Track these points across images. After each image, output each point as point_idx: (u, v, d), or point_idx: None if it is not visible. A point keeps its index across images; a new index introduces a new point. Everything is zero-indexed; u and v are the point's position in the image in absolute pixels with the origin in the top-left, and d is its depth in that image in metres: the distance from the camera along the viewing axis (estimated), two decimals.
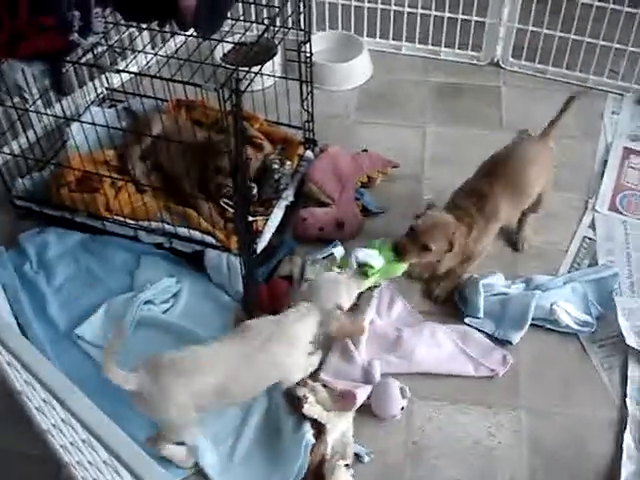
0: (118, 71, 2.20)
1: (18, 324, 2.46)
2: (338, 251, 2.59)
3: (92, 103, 3.13)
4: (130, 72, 2.28)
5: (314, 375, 2.27)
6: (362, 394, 2.21)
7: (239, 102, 2.10)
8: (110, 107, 3.18)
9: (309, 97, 2.84)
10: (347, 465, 2.08)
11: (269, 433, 2.20)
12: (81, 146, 2.75)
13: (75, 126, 2.85)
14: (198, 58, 2.30)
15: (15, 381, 1.61)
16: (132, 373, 1.93)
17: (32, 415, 1.68)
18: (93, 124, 2.55)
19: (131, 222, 2.67)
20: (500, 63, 3.58)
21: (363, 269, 2.29)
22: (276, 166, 2.77)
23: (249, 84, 2.24)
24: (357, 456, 2.17)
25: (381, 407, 2.23)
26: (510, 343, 2.45)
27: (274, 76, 3.13)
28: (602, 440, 2.24)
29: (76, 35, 2.07)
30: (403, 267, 2.37)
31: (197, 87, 2.10)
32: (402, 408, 2.22)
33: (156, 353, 2.02)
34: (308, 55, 2.72)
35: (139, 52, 2.78)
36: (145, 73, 2.31)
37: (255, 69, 2.34)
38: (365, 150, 3.03)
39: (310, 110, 2.88)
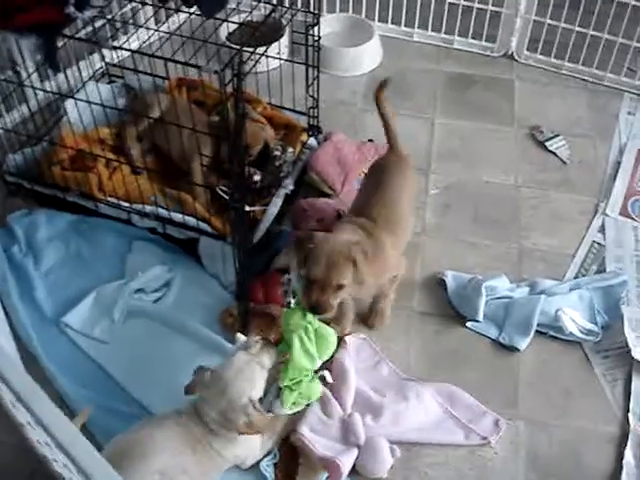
0: (114, 48, 2.09)
1: (3, 307, 2.37)
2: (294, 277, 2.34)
3: (90, 78, 3.02)
4: (127, 49, 2.16)
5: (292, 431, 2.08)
6: (347, 463, 2.00)
7: (241, 85, 2.00)
8: (109, 83, 3.07)
9: (315, 82, 2.73)
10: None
11: None
12: (76, 123, 2.66)
13: (71, 102, 2.73)
14: (202, 36, 2.19)
15: None
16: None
17: (8, 409, 1.59)
18: (88, 102, 2.43)
19: (124, 204, 2.57)
20: (514, 56, 3.46)
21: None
22: (277, 152, 2.67)
23: (254, 65, 2.13)
24: None
25: (367, 468, 2.04)
26: (517, 350, 2.37)
27: (280, 58, 3.02)
28: (601, 455, 2.16)
29: (72, 8, 1.96)
30: (333, 346, 2.06)
31: (197, 68, 1.99)
32: (391, 467, 2.06)
33: (115, 438, 1.86)
34: (316, 38, 2.61)
35: (140, 27, 2.67)
36: (143, 51, 2.19)
37: (260, 50, 2.24)
38: (371, 140, 2.93)
39: (315, 96, 2.77)
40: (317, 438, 2.06)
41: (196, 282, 2.49)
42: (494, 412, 2.21)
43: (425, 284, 2.55)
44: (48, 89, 2.72)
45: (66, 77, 2.65)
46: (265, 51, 2.33)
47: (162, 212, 2.51)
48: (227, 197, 2.31)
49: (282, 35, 3.24)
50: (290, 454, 2.07)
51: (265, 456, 2.05)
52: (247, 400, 1.84)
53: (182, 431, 1.85)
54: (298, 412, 2.07)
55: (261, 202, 2.57)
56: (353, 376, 2.21)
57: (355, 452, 2.05)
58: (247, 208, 2.21)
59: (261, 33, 2.36)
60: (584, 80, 3.36)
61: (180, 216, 2.49)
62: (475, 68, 3.43)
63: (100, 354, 2.29)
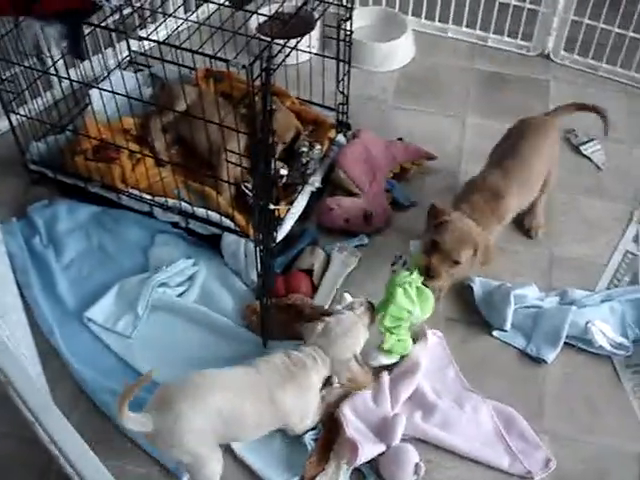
0: (140, 38, 2.03)
1: (22, 297, 2.34)
2: (414, 245, 2.41)
3: (116, 67, 2.97)
4: (153, 40, 2.11)
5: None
6: (367, 452, 1.99)
7: (269, 80, 1.94)
8: (135, 72, 3.02)
9: (345, 78, 2.66)
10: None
11: None
12: (100, 112, 2.61)
13: (96, 91, 2.69)
14: (231, 27, 2.13)
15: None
16: (145, 414, 1.80)
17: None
18: (113, 93, 2.38)
19: (147, 197, 2.53)
20: (550, 55, 3.36)
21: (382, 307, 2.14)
22: (304, 149, 2.61)
23: (284, 59, 2.07)
24: None
25: (387, 472, 2.01)
26: (545, 362, 2.30)
27: (310, 52, 2.95)
28: (627, 474, 2.08)
29: None
30: (432, 304, 2.21)
31: (225, 62, 1.93)
32: None
33: (162, 385, 1.89)
34: (348, 33, 2.54)
35: (169, 16, 2.62)
36: (170, 43, 2.13)
37: (291, 43, 2.18)
38: (400, 139, 2.86)
39: (346, 92, 2.71)
40: (354, 420, 2.06)
41: (219, 278, 2.44)
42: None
43: (451, 289, 2.47)
44: (73, 77, 2.68)
45: (91, 65, 2.61)
46: (296, 45, 2.27)
47: (185, 206, 2.47)
48: (251, 194, 2.25)
49: (313, 28, 3.17)
50: (332, 430, 2.08)
51: (310, 430, 2.07)
52: (351, 355, 2.02)
53: (250, 378, 1.93)
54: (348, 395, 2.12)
55: (286, 200, 2.51)
56: (419, 376, 2.18)
57: (381, 448, 2.02)
58: (271, 206, 2.15)
59: (292, 26, 2.29)
60: (622, 83, 3.26)
61: (203, 211, 2.44)
62: (509, 67, 3.33)
63: (123, 348, 2.25)
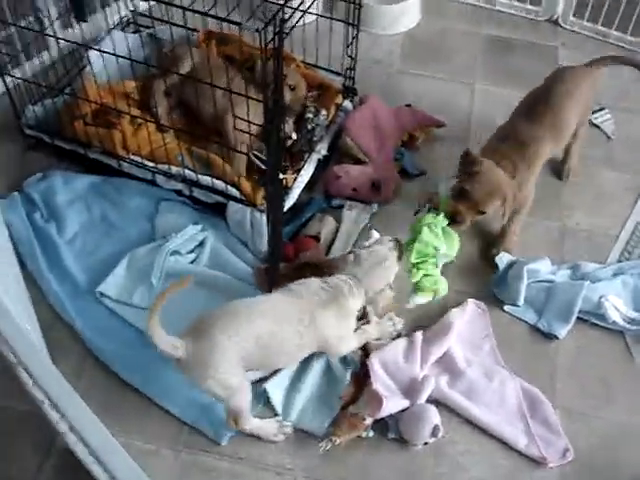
0: None
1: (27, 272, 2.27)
2: (442, 185, 2.34)
3: (115, 26, 2.86)
4: (159, 1, 2.00)
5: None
6: (390, 407, 1.99)
7: (282, 44, 1.86)
8: (134, 32, 2.91)
9: (354, 42, 2.57)
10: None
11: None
12: (99, 74, 2.52)
13: (94, 51, 2.59)
14: None
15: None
16: (178, 338, 1.78)
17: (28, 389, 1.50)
18: (114, 54, 2.28)
19: (149, 164, 2.45)
20: (559, 21, 3.27)
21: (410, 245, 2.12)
22: (310, 115, 2.53)
23: (295, 23, 1.98)
24: None
25: (405, 429, 2.02)
26: (556, 337, 2.26)
27: (318, 15, 2.84)
28: (638, 449, 2.07)
29: None
30: (458, 243, 2.19)
31: (236, 25, 1.84)
32: (425, 443, 2.01)
33: (199, 313, 1.89)
34: None
35: None
36: (177, 5, 2.03)
37: (301, 6, 2.09)
38: (408, 105, 2.77)
39: (354, 56, 2.61)
40: (381, 373, 2.07)
41: (227, 245, 2.38)
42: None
43: (462, 263, 2.42)
44: (70, 38, 2.57)
45: (91, 24, 2.49)
46: (308, 8, 2.18)
47: (189, 174, 2.39)
48: (261, 163, 2.17)
49: None
50: (366, 373, 2.09)
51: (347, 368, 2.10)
52: (385, 286, 2.04)
53: (289, 302, 1.93)
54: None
55: (293, 168, 2.44)
56: (451, 339, 2.17)
57: (404, 405, 2.02)
58: (280, 175, 2.08)
59: None
60: (631, 51, 3.18)
61: (208, 179, 2.36)
62: (518, 32, 3.25)
63: (140, 320, 2.15)
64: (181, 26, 2.71)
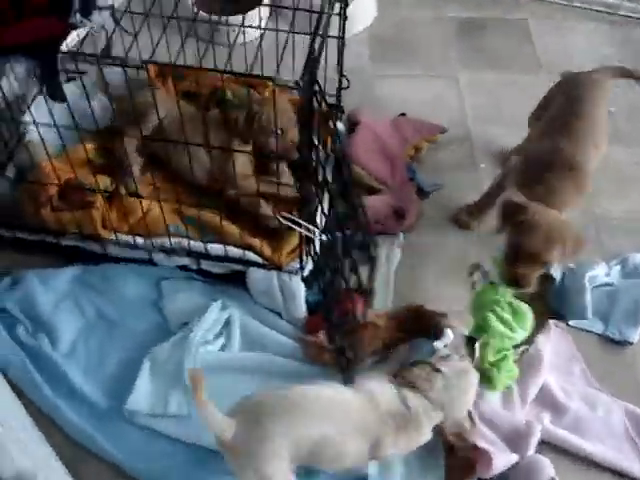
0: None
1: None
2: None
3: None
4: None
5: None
6: (500, 464, 1.78)
7: (314, 93, 1.57)
8: (68, 81, 2.45)
9: (341, 57, 2.24)
10: None
11: None
12: (47, 142, 2.05)
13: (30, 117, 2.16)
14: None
15: None
16: (228, 418, 1.53)
17: None
18: (53, 125, 1.85)
19: (140, 241, 2.07)
20: None
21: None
22: None
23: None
24: None
25: None
26: (629, 343, 2.10)
27: (277, 30, 2.49)
28: None
29: (78, 16, 1.42)
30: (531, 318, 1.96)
31: (270, 80, 1.51)
32: None
33: (259, 392, 1.64)
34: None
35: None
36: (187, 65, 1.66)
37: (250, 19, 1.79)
38: (403, 114, 2.50)
39: (341, 73, 2.28)
40: (480, 426, 1.85)
41: (256, 317, 2.04)
42: None
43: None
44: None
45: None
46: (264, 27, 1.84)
47: (194, 245, 2.03)
48: (295, 224, 1.84)
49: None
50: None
51: None
52: (466, 412, 1.76)
53: (361, 410, 1.65)
54: None
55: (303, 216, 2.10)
56: (545, 369, 1.97)
57: (513, 459, 1.81)
58: (322, 236, 1.77)
59: None
60: (599, 12, 3.03)
61: (219, 248, 2.01)
62: (482, 10, 3.02)
63: (182, 430, 1.84)
64: (122, 65, 2.31)
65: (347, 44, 2.78)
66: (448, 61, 2.82)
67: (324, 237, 1.82)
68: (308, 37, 1.89)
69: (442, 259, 2.24)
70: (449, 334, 1.86)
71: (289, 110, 2.16)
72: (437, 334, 1.87)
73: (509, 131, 2.56)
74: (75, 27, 1.45)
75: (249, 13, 2.66)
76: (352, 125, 2.42)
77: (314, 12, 2.10)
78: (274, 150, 1.96)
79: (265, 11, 2.80)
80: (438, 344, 1.83)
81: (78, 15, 1.40)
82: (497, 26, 2.96)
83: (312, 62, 1.55)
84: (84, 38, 1.84)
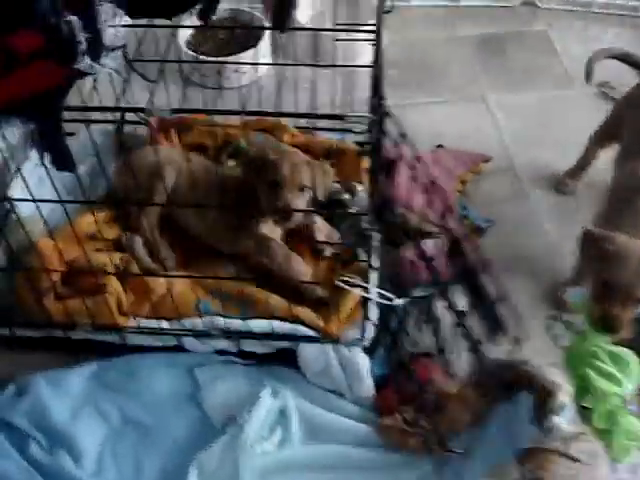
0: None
1: None
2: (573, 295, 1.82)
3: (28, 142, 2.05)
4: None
5: None
6: None
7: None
8: None
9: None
10: None
11: None
12: (35, 217, 1.72)
13: (18, 187, 1.85)
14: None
15: None
16: None
17: None
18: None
19: (165, 324, 1.74)
20: (535, 0, 2.83)
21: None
22: (345, 196, 1.92)
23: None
24: None
25: None
26: None
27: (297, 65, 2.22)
28: None
29: (88, 60, 1.11)
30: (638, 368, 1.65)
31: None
32: None
33: None
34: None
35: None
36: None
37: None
38: (440, 145, 2.22)
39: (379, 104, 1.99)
40: None
41: (315, 401, 1.70)
42: None
43: None
44: None
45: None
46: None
47: (231, 323, 1.70)
48: (364, 290, 1.53)
49: (260, 38, 2.46)
50: None
51: None
52: None
53: None
54: None
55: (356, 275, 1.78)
56: None
57: None
58: (397, 300, 1.46)
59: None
60: (620, 15, 2.83)
61: (264, 324, 1.69)
62: (497, 25, 2.78)
63: None
64: (119, 122, 2.03)
65: (359, 74, 2.55)
66: (473, 82, 2.56)
67: (400, 301, 1.50)
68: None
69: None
70: (568, 404, 1.52)
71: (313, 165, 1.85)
72: (542, 403, 1.55)
73: (554, 150, 2.31)
74: (84, 74, 1.13)
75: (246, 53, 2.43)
76: (387, 164, 2.12)
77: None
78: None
79: (266, 47, 2.53)
80: (559, 420, 1.49)
81: (87, 59, 1.08)
82: (517, 40, 2.71)
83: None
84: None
